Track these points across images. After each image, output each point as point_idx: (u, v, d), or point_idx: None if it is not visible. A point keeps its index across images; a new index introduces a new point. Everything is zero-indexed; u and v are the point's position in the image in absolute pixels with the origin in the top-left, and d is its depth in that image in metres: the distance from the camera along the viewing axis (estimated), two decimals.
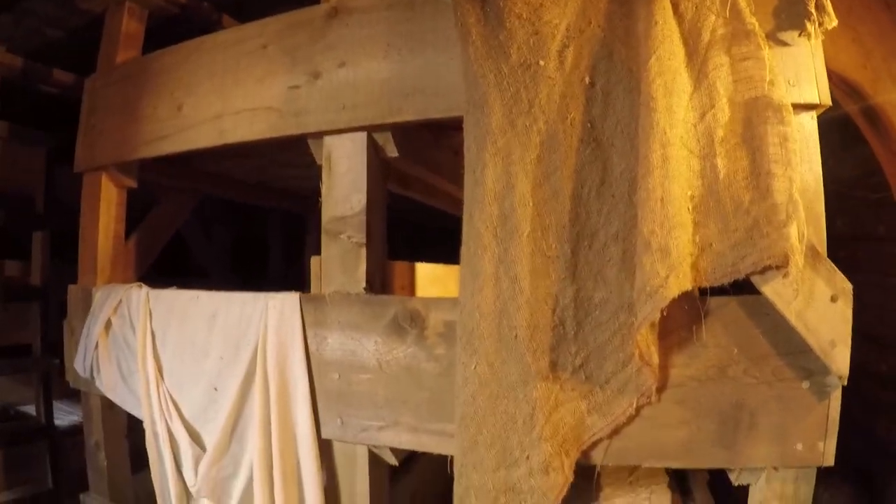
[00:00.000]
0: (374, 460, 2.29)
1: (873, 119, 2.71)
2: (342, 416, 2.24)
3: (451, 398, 2.06)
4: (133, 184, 2.89)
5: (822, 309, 1.88)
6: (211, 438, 2.41)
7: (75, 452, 3.46)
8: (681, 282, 1.80)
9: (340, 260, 2.26)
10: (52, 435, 3.54)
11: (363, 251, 2.24)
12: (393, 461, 2.28)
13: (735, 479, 2.13)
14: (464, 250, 2.01)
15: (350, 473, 2.30)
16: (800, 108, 1.94)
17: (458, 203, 2.85)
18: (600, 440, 2.02)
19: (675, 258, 1.80)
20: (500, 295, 1.95)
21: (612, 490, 3.24)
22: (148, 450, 2.59)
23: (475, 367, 1.97)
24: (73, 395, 4.17)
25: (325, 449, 2.30)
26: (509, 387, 1.96)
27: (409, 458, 3.11)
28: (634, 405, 1.99)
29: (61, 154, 3.45)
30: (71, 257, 3.02)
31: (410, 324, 2.15)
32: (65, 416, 4.16)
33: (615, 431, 2.02)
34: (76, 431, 3.87)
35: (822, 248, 1.89)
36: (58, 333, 3.18)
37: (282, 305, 2.28)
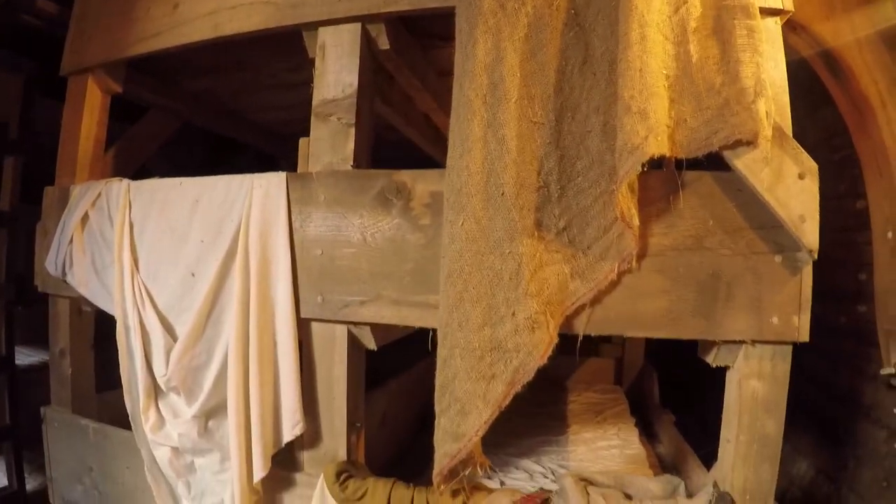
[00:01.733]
0: (353, 343, 2.21)
1: (834, 68, 2.80)
2: (323, 294, 2.16)
3: (436, 269, 2.01)
4: (118, 88, 2.82)
5: (790, 185, 1.92)
6: (185, 327, 2.29)
7: (35, 390, 3.25)
8: (659, 144, 1.83)
9: (329, 140, 2.23)
10: (11, 369, 3.31)
11: (352, 131, 2.21)
12: (372, 345, 2.21)
13: (713, 360, 2.11)
14: (453, 118, 2.00)
15: (328, 356, 2.22)
16: (765, 12, 2.04)
17: (433, 134, 2.85)
18: (583, 307, 1.99)
19: (653, 122, 1.84)
20: (488, 155, 1.94)
21: (580, 427, 3.19)
22: (118, 344, 2.45)
23: (462, 224, 1.93)
24: (36, 341, 3.97)
25: (303, 331, 2.21)
26: (496, 242, 1.92)
27: (380, 379, 3.01)
28: (616, 271, 1.97)
29: (41, 86, 3.33)
30: (40, 198, 2.89)
31: (396, 195, 2.10)
32: (25, 357, 3.93)
33: (597, 300, 2.00)
34: (36, 370, 3.66)
35: (788, 131, 1.94)
36: (24, 265, 3.04)
37: (267, 184, 2.22)
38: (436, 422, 2.01)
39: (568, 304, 1.99)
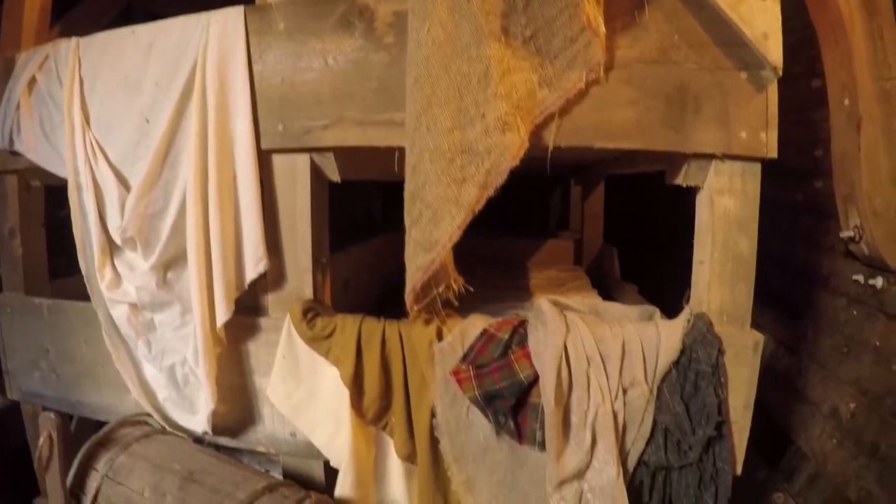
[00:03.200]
0: (316, 174, 2.09)
1: None
2: (284, 122, 2.04)
3: (401, 87, 1.91)
4: None
5: (753, 3, 1.88)
6: (140, 174, 2.12)
7: None
8: None
9: None
10: None
11: None
12: (335, 176, 2.08)
13: (683, 179, 2.04)
14: None
15: (290, 190, 2.09)
16: None
17: None
18: (552, 117, 1.90)
19: None
20: None
21: (543, 293, 3.10)
22: (70, 204, 2.26)
23: (428, 30, 1.82)
24: None
25: (264, 165, 2.06)
26: (463, 47, 1.82)
27: (343, 245, 2.86)
28: (584, 80, 1.89)
29: None
30: None
31: (359, 17, 1.99)
32: None
33: (566, 110, 1.91)
34: None
35: None
36: None
37: (224, 19, 2.10)
38: (406, 237, 1.89)
39: (537, 113, 1.89)
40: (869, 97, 2.55)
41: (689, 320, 1.96)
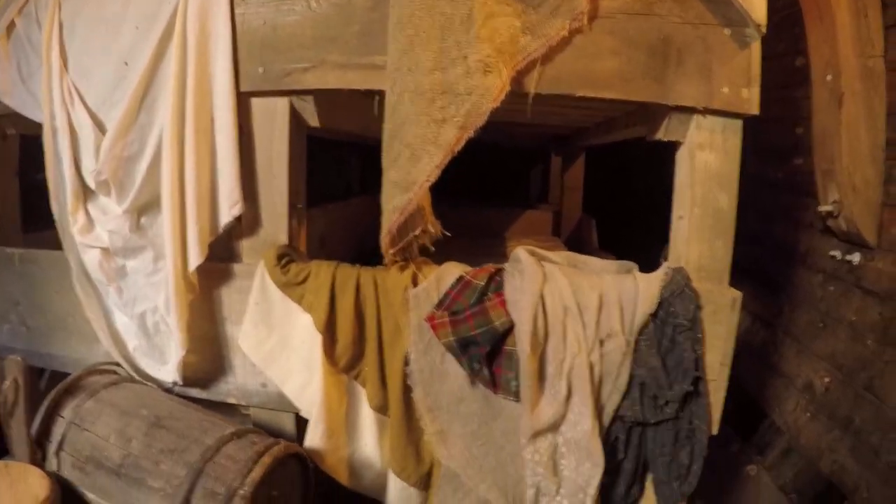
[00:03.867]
0: (295, 119, 2.02)
1: None
2: (264, 64, 1.96)
3: (383, 30, 1.86)
4: None
5: None
6: (117, 116, 2.03)
7: None
8: None
9: None
10: None
11: None
12: (314, 120, 2.01)
13: (664, 134, 1.98)
14: None
15: (268, 133, 2.01)
16: None
17: None
18: (534, 64, 1.83)
19: None
20: None
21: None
22: (45, 149, 2.17)
23: None
24: None
25: (242, 109, 1.99)
26: None
27: (320, 204, 2.78)
28: (567, 28, 1.84)
29: None
30: None
31: None
32: None
33: (548, 57, 1.86)
34: None
35: None
36: None
37: None
38: (383, 180, 1.82)
39: (519, 59, 1.84)
40: (852, 74, 2.51)
41: (667, 274, 1.90)
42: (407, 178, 1.76)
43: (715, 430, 1.99)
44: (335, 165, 3.79)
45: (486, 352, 1.79)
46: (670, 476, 1.97)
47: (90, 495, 1.97)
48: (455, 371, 1.86)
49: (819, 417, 2.73)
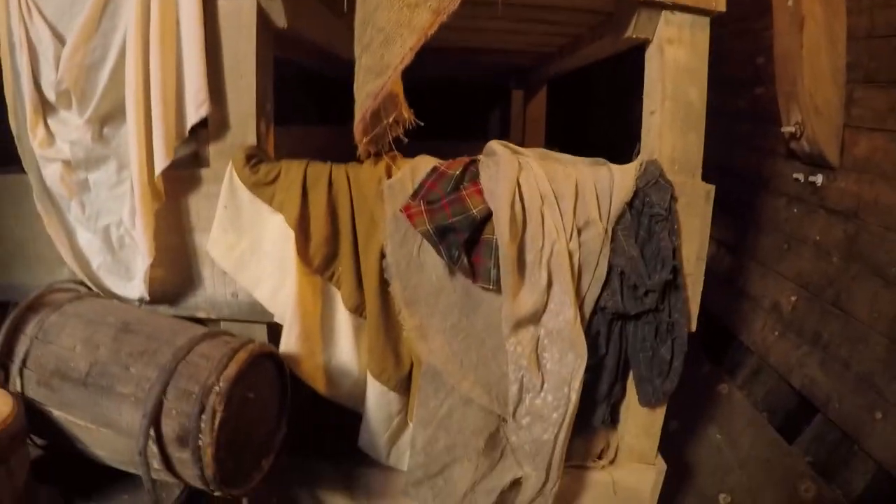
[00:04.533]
0: (263, 20, 1.91)
1: None
2: None
3: None
4: None
5: None
6: (77, 25, 1.90)
7: None
8: None
9: None
10: None
11: None
12: (282, 20, 1.91)
13: (633, 31, 1.94)
14: None
15: (235, 33, 1.89)
16: None
17: None
18: None
19: None
20: None
21: None
22: (2, 66, 2.02)
23: None
24: None
25: (208, 12, 1.88)
26: None
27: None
28: None
29: None
30: None
31: None
32: None
33: None
34: None
35: None
36: None
37: None
38: (356, 68, 1.73)
39: None
40: None
41: (641, 164, 1.86)
42: (380, 63, 1.68)
43: (693, 327, 1.95)
44: (298, 95, 3.68)
45: (465, 239, 1.72)
46: (652, 373, 1.92)
47: (56, 413, 1.84)
48: (433, 262, 1.79)
49: (787, 335, 2.72)
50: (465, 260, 1.73)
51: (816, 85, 2.58)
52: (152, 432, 1.62)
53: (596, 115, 5.15)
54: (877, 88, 2.44)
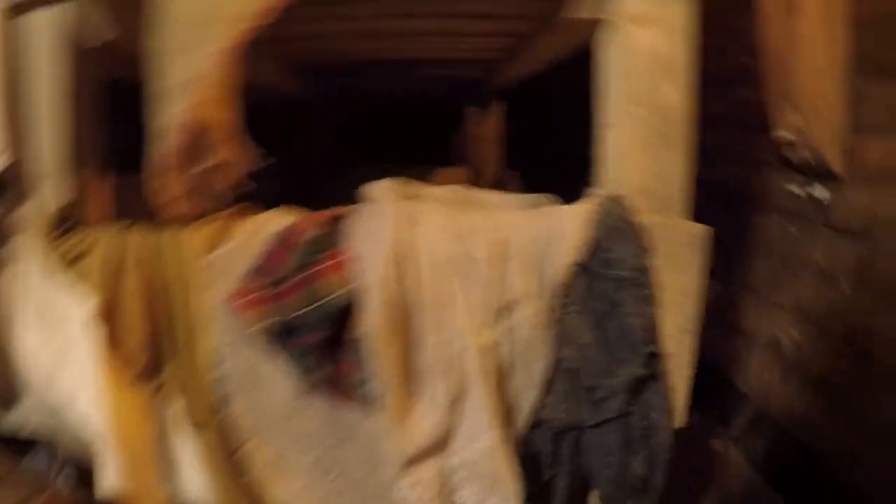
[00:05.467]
0: (69, 33, 1.05)
1: None
2: None
3: None
4: None
5: None
6: None
7: None
8: None
9: None
10: None
11: None
12: (107, 34, 1.05)
13: (588, 11, 1.06)
14: None
15: (35, 58, 1.03)
16: None
17: None
18: None
19: None
20: None
21: None
22: None
23: None
24: None
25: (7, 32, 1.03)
26: None
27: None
28: None
29: None
30: None
31: None
32: None
33: None
34: None
35: None
36: None
37: None
38: (153, 88, 0.87)
39: None
40: None
41: (597, 204, 0.98)
42: (185, 73, 0.82)
43: (680, 422, 1.07)
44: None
45: (322, 338, 0.87)
46: (621, 493, 1.04)
47: None
48: (282, 373, 0.93)
49: (790, 378, 1.80)
50: (325, 370, 0.88)
51: (815, 81, 1.66)
52: None
53: (563, 132, 4.10)
54: (892, 83, 1.51)
